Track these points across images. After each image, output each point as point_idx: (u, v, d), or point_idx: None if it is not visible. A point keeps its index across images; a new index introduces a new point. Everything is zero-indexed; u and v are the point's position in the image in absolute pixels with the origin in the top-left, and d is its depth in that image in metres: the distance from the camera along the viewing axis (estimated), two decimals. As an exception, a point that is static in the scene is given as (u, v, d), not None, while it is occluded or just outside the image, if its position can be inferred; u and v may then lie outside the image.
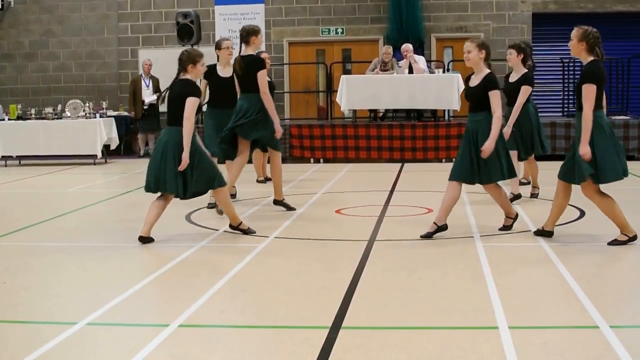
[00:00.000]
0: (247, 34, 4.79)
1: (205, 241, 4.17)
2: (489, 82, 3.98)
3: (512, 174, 4.08)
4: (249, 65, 4.75)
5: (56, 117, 8.95)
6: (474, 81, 4.05)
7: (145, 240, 4.08)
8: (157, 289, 3.23)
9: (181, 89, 4.07)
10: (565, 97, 9.62)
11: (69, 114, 8.96)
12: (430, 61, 9.75)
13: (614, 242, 3.81)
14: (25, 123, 8.90)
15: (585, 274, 3.29)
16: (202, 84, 5.25)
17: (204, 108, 5.77)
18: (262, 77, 4.73)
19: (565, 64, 9.59)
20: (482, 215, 4.86)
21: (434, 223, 4.04)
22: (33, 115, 9.04)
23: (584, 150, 3.59)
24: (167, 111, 4.16)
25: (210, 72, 5.23)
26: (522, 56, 5.08)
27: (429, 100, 8.55)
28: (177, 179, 3.95)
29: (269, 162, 5.48)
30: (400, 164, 8.13)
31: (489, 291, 2.99)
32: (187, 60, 4.07)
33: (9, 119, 9.05)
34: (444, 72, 9.03)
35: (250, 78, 4.73)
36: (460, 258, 3.67)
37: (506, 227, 4.23)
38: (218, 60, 5.32)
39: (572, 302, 2.84)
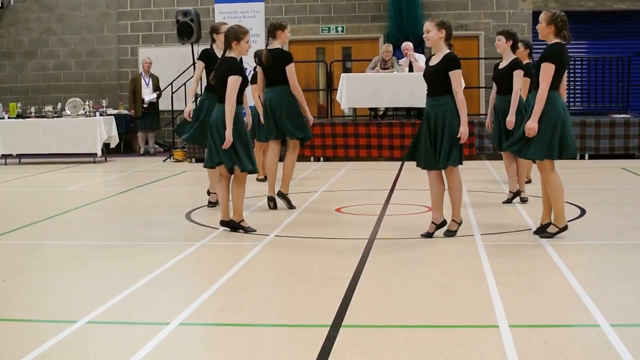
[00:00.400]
0: (274, 28, 4.92)
1: (205, 239, 4.16)
2: (450, 61, 3.76)
3: (457, 162, 3.84)
4: (276, 59, 4.82)
5: (56, 115, 8.94)
6: (434, 61, 3.87)
7: (226, 224, 4.16)
8: (157, 287, 3.23)
9: (225, 68, 4.09)
10: (566, 95, 9.58)
11: (68, 113, 8.95)
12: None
13: (545, 235, 3.86)
14: (25, 121, 8.89)
15: (586, 273, 3.29)
16: (198, 67, 5.07)
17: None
18: (292, 71, 4.85)
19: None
20: (483, 213, 4.86)
21: (432, 223, 4.02)
22: (33, 114, 9.03)
23: (532, 125, 3.72)
24: (216, 88, 4.22)
25: (210, 56, 4.95)
26: (511, 42, 4.98)
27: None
28: (229, 154, 4.04)
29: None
30: (400, 163, 8.13)
31: (489, 290, 2.99)
32: (231, 37, 4.05)
33: (8, 118, 9.04)
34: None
35: (278, 71, 4.84)
36: (461, 256, 3.66)
37: (450, 232, 4.00)
38: (213, 44, 5.11)
39: (573, 300, 2.84)
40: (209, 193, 5.31)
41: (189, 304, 2.87)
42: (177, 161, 8.94)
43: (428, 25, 3.84)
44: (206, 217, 4.88)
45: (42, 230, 4.69)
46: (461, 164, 3.92)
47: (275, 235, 4.25)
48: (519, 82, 4.96)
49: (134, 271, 3.50)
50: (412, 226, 4.47)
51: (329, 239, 4.13)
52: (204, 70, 5.00)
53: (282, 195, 5.09)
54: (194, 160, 8.82)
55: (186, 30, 9.18)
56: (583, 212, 4.82)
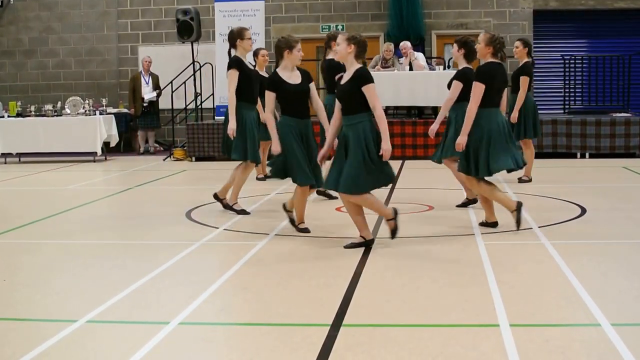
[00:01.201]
0: (329, 39, 5.11)
1: (205, 239, 4.16)
2: (361, 77, 3.58)
3: (355, 189, 3.63)
4: (330, 70, 5.05)
5: (56, 114, 8.93)
6: (345, 78, 3.71)
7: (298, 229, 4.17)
8: (157, 286, 3.22)
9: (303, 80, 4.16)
10: (567, 95, 9.59)
11: (68, 111, 8.94)
12: (430, 58, 9.72)
13: (483, 224, 4.25)
14: (25, 120, 8.89)
15: (587, 272, 3.28)
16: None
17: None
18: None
19: (567, 61, 9.56)
20: (483, 212, 4.85)
21: (361, 236, 3.75)
22: (33, 113, 9.02)
23: (461, 140, 4.00)
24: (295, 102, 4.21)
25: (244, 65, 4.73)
26: (463, 51, 4.89)
27: (430, 97, 8.53)
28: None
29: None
30: (400, 161, 8.11)
31: (490, 289, 2.99)
32: (284, 46, 4.06)
33: (8, 116, 9.03)
34: (444, 69, 9.00)
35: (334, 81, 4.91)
36: (462, 256, 3.66)
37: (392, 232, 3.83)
38: (234, 50, 4.94)
39: (574, 299, 2.84)
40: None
41: (188, 304, 2.86)
42: (177, 160, 8.93)
43: (339, 39, 3.71)
44: (206, 217, 4.88)
45: (42, 229, 4.68)
46: (367, 191, 3.63)
47: (275, 235, 4.24)
48: (456, 92, 4.79)
49: (134, 270, 3.49)
50: (413, 225, 4.47)
51: (329, 238, 4.12)
52: (239, 78, 4.72)
53: (321, 193, 5.19)
54: (194, 159, 8.82)
55: (186, 29, 9.17)
56: (584, 211, 4.82)
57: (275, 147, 4.01)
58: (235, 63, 4.71)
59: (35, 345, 2.42)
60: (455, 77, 4.90)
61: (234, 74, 4.66)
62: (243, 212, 4.86)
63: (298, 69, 4.13)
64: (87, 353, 2.41)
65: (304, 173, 4.02)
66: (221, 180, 5.32)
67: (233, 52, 4.85)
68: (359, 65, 3.70)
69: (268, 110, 4.12)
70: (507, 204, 4.13)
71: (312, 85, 4.15)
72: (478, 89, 3.95)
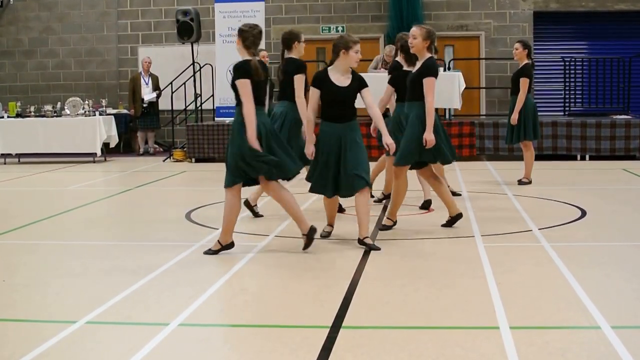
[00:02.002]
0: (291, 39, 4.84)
1: (205, 240, 4.15)
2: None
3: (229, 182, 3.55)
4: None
5: (55, 114, 8.93)
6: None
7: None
8: (157, 287, 3.22)
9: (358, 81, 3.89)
10: (567, 97, 9.60)
11: (68, 112, 8.94)
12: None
13: (383, 227, 4.25)
14: (25, 120, 8.88)
15: (587, 274, 3.28)
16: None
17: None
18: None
19: (567, 63, 9.57)
20: (483, 215, 4.85)
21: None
22: (32, 113, 9.02)
23: (429, 136, 4.02)
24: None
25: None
26: (392, 53, 5.02)
27: (430, 98, 8.52)
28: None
29: None
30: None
31: (490, 291, 2.98)
32: (341, 45, 3.76)
33: (8, 117, 9.03)
34: (444, 70, 9.01)
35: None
36: (461, 257, 3.65)
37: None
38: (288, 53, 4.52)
39: (573, 302, 2.84)
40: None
41: (188, 305, 2.86)
42: (176, 161, 8.93)
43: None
44: (206, 218, 4.87)
45: (41, 229, 4.67)
46: (233, 184, 3.55)
47: (275, 236, 4.24)
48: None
49: (134, 271, 3.49)
50: (413, 226, 4.46)
51: (329, 239, 4.12)
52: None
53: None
54: (193, 160, 8.82)
55: (186, 30, 9.17)
56: (584, 213, 4.81)
57: (309, 150, 3.82)
58: (303, 67, 4.43)
59: (35, 346, 2.41)
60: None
61: (303, 78, 4.38)
62: (257, 215, 4.77)
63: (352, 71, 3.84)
64: (87, 354, 2.41)
65: (319, 185, 3.83)
66: (221, 181, 5.30)
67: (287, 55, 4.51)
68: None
69: (310, 108, 3.85)
70: (451, 205, 4.30)
71: (366, 91, 3.82)
72: (432, 83, 4.02)
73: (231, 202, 3.68)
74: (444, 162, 4.38)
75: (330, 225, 4.18)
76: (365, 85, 3.86)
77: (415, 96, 4.10)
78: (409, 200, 5.49)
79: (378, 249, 3.77)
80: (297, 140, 4.39)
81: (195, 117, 9.47)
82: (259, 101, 3.63)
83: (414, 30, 4.09)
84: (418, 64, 4.15)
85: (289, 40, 4.50)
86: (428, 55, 4.08)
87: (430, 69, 4.06)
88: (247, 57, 3.62)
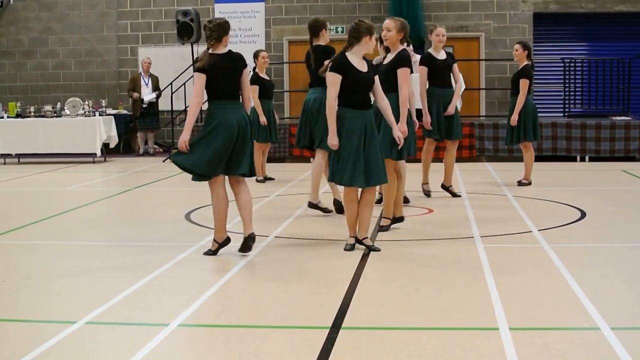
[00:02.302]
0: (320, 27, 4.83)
1: (205, 240, 4.15)
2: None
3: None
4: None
5: (55, 115, 8.93)
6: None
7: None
8: (157, 288, 3.22)
9: (394, 63, 4.19)
10: (567, 98, 9.60)
11: (68, 112, 8.94)
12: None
13: (382, 228, 4.18)
14: (24, 121, 8.88)
15: (586, 275, 3.28)
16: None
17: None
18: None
19: (567, 64, 9.58)
20: (483, 215, 4.85)
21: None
22: (32, 113, 9.02)
23: (403, 127, 3.95)
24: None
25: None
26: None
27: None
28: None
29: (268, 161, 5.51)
30: (400, 164, 8.11)
31: (489, 292, 2.99)
32: (365, 31, 3.67)
33: (8, 117, 9.03)
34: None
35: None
36: (461, 258, 3.65)
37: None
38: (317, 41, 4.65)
39: (573, 303, 2.84)
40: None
41: (188, 305, 2.86)
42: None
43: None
44: (206, 218, 4.88)
45: (41, 230, 4.67)
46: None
47: (275, 236, 4.24)
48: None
49: (133, 272, 3.48)
50: (412, 227, 4.46)
51: (329, 240, 4.12)
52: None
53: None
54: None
55: (186, 30, 9.18)
56: (583, 214, 4.82)
57: (332, 141, 3.63)
58: (334, 53, 4.36)
59: (35, 346, 2.41)
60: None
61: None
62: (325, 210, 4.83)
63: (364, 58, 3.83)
64: (87, 354, 2.41)
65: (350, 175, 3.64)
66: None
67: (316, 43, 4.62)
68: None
69: (335, 96, 3.64)
70: (390, 209, 4.24)
71: (378, 79, 3.79)
72: (407, 74, 4.09)
73: (214, 198, 3.64)
74: (397, 158, 4.13)
75: (354, 236, 3.79)
76: (377, 73, 3.83)
77: (389, 88, 3.98)
78: (407, 201, 5.49)
79: (378, 249, 3.76)
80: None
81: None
82: (225, 95, 3.53)
83: (388, 22, 4.16)
84: (391, 56, 4.19)
85: (315, 28, 4.64)
86: (401, 47, 4.14)
87: (404, 60, 4.09)
88: (212, 51, 3.55)
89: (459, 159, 8.53)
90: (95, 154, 8.76)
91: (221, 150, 3.53)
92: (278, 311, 2.85)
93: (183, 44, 9.36)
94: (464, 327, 2.59)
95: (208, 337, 2.57)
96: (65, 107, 9.01)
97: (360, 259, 3.62)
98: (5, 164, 8.88)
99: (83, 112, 8.92)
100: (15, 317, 2.80)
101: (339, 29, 10.55)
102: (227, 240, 3.75)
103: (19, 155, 9.06)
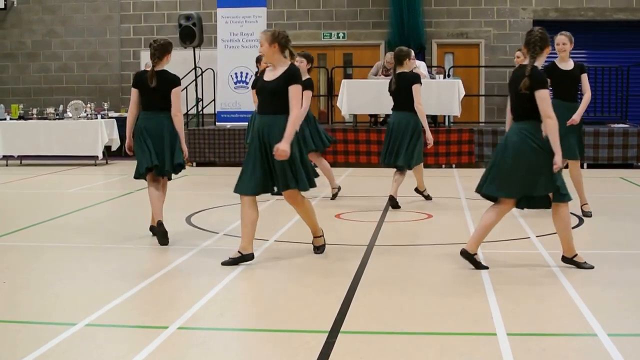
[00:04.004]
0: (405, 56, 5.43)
1: (205, 244, 4.17)
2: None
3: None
4: (405, 81, 5.32)
5: (58, 117, 8.96)
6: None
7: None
8: (157, 290, 3.24)
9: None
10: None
11: (70, 115, 8.97)
12: (431, 67, 9.78)
13: (319, 249, 3.81)
14: (27, 123, 8.91)
15: (584, 281, 3.30)
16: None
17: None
18: (417, 91, 5.31)
19: (566, 71, 9.60)
20: (480, 213, 4.87)
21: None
22: (35, 115, 9.05)
23: (283, 146, 3.45)
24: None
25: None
26: (309, 65, 5.37)
27: (430, 105, 8.55)
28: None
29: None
30: (400, 169, 8.13)
31: (487, 297, 3.00)
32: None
33: (10, 119, 9.06)
34: (444, 77, 9.05)
35: (407, 94, 5.28)
36: (459, 265, 3.67)
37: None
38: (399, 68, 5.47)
39: (571, 309, 2.85)
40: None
41: (188, 308, 2.87)
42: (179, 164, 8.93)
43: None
44: (206, 221, 4.89)
45: (42, 231, 4.69)
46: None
47: (275, 241, 4.26)
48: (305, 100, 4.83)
49: (134, 274, 3.51)
50: (411, 233, 4.49)
51: (328, 244, 4.14)
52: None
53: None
54: (194, 164, 8.84)
55: (188, 34, 9.22)
56: (581, 221, 4.84)
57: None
58: (418, 78, 5.36)
59: (34, 348, 2.43)
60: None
61: (419, 87, 5.31)
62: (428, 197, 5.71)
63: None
64: (86, 356, 2.42)
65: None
66: (221, 185, 5.32)
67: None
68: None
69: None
70: (317, 229, 3.81)
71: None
72: (298, 91, 3.51)
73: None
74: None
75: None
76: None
77: (282, 108, 3.52)
78: (406, 206, 5.52)
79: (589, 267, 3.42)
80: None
81: (196, 122, 9.50)
82: (146, 107, 4.15)
83: (260, 35, 3.57)
84: (276, 73, 3.57)
85: (400, 57, 5.37)
86: (284, 61, 3.55)
87: (295, 76, 3.53)
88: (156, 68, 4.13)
89: (459, 165, 8.59)
90: (97, 156, 8.78)
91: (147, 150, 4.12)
92: (277, 315, 2.86)
93: (185, 48, 9.40)
94: (462, 332, 2.60)
95: (207, 341, 2.58)
96: (67, 110, 9.04)
97: (359, 264, 3.64)
98: (7, 165, 8.90)
99: (85, 114, 8.95)
100: (15, 319, 2.82)
101: (340, 35, 10.60)
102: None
103: (21, 157, 9.08)
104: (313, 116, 5.64)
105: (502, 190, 3.43)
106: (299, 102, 3.52)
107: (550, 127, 3.31)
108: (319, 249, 3.86)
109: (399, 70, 5.28)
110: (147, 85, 4.10)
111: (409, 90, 5.19)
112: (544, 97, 3.31)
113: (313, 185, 3.62)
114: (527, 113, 3.38)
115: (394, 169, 5.41)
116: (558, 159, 3.35)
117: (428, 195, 5.77)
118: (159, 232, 4.10)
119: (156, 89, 4.10)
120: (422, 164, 5.56)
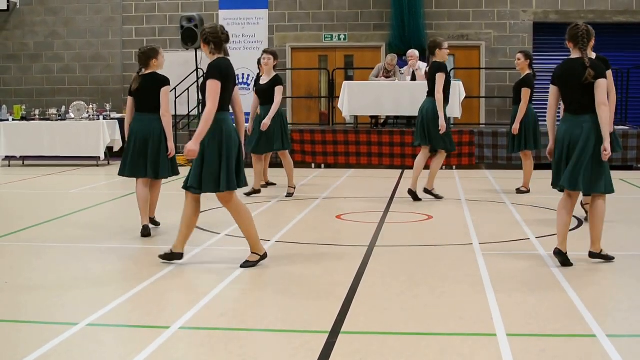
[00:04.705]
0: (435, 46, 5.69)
1: (207, 244, 4.19)
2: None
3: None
4: (433, 69, 5.68)
5: (60, 118, 8.99)
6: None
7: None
8: (158, 291, 3.25)
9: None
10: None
11: (72, 116, 9.00)
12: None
13: (246, 264, 3.50)
14: (29, 124, 8.94)
15: (583, 283, 3.31)
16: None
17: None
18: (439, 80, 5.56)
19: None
20: (482, 223, 4.89)
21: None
22: (37, 116, 9.08)
23: (191, 146, 3.37)
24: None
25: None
26: (276, 62, 5.86)
27: (431, 107, 8.58)
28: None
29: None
30: (400, 171, 8.16)
31: (487, 298, 3.01)
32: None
33: (13, 120, 9.09)
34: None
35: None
36: (460, 265, 3.68)
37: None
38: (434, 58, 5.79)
39: (570, 310, 2.86)
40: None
41: (189, 308, 2.89)
42: (179, 166, 8.95)
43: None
44: (208, 222, 4.91)
45: (44, 232, 4.71)
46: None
47: (276, 241, 4.28)
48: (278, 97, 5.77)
49: (135, 274, 3.52)
50: (412, 234, 4.50)
51: (329, 245, 4.16)
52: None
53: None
54: (195, 165, 8.86)
55: (190, 36, 9.25)
56: (580, 222, 4.85)
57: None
58: (444, 67, 5.60)
59: (36, 348, 2.44)
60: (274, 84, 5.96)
61: (443, 76, 5.55)
62: (438, 197, 5.81)
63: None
64: (88, 356, 2.43)
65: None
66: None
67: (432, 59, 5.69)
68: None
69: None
70: (257, 243, 3.58)
71: None
72: (215, 87, 3.49)
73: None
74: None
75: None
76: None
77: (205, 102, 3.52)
78: (407, 209, 5.53)
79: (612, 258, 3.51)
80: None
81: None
82: (137, 109, 4.47)
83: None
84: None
85: (431, 47, 5.65)
86: (217, 56, 3.56)
87: (210, 71, 3.53)
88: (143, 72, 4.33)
89: (459, 166, 8.60)
90: (99, 157, 8.81)
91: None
92: (278, 315, 2.88)
93: (187, 49, 9.43)
94: (462, 332, 2.61)
95: (209, 340, 2.59)
96: (69, 111, 9.07)
97: (360, 264, 3.65)
98: (9, 166, 8.93)
99: (87, 115, 8.98)
100: (17, 319, 2.83)
101: (342, 37, 10.63)
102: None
103: (23, 158, 9.11)
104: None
105: (596, 188, 3.42)
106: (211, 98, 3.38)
107: (606, 114, 3.41)
108: (246, 263, 3.51)
109: (432, 60, 5.70)
110: (136, 89, 4.40)
111: (435, 79, 5.54)
112: (604, 86, 3.47)
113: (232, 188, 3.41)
114: (594, 103, 3.47)
115: (400, 168, 5.62)
116: (607, 145, 3.40)
117: (437, 195, 5.80)
118: (145, 232, 4.39)
119: (146, 92, 4.35)
120: (443, 156, 5.78)
